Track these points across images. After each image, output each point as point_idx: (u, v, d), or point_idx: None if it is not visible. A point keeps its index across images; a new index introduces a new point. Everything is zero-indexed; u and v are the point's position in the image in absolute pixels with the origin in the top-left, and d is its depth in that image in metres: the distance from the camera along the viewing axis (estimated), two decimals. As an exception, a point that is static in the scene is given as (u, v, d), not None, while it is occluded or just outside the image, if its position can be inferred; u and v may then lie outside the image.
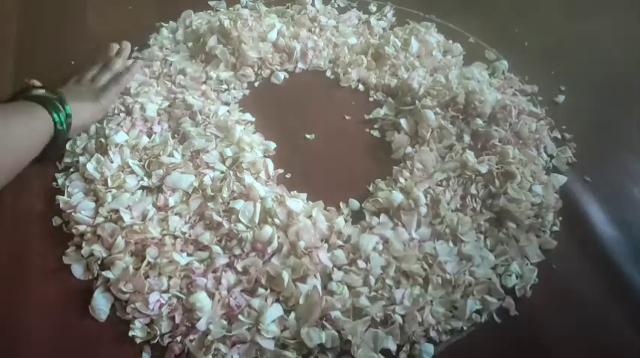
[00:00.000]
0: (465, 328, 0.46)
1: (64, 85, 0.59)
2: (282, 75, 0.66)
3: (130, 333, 0.44)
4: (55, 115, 0.51)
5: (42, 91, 0.53)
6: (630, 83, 0.68)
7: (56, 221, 0.51)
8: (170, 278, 0.46)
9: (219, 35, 0.66)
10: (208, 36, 0.66)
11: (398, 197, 0.52)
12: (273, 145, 0.58)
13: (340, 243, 0.49)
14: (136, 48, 0.67)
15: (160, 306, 0.44)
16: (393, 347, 0.44)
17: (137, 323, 0.44)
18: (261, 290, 0.46)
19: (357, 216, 0.53)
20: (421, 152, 0.56)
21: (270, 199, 0.50)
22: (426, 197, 0.52)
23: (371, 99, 0.65)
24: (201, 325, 0.43)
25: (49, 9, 0.72)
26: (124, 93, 0.60)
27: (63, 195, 0.52)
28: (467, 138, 0.57)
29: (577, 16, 0.76)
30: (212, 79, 0.64)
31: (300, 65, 0.67)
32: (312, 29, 0.70)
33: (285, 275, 0.46)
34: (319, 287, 0.46)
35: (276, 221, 0.49)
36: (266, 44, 0.66)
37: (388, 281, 0.47)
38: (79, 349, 0.44)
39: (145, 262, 0.46)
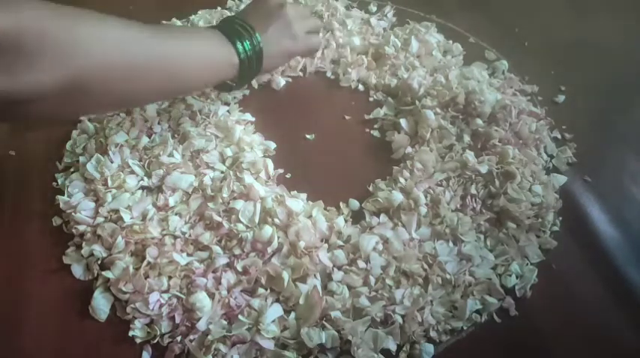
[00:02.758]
0: (465, 328, 0.46)
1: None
2: (282, 81, 0.66)
3: (130, 333, 0.44)
4: (238, 44, 0.49)
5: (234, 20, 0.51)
6: (630, 83, 0.68)
7: (56, 221, 0.51)
8: (170, 278, 0.46)
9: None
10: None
11: (398, 197, 0.52)
12: (273, 145, 0.58)
13: (340, 243, 0.49)
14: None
15: (160, 306, 0.44)
16: (393, 347, 0.44)
17: (137, 323, 0.44)
18: (261, 290, 0.46)
19: (357, 216, 0.53)
20: (421, 152, 0.56)
21: (270, 199, 0.50)
22: (426, 197, 0.52)
23: (371, 99, 0.65)
24: (201, 325, 0.43)
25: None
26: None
27: (63, 195, 0.52)
28: (467, 138, 0.57)
29: (577, 16, 0.76)
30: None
31: (308, 69, 0.67)
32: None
33: (285, 275, 0.46)
34: (319, 287, 0.46)
35: (276, 221, 0.49)
36: None
37: (388, 281, 0.46)
38: (79, 349, 0.44)
39: (145, 262, 0.46)
